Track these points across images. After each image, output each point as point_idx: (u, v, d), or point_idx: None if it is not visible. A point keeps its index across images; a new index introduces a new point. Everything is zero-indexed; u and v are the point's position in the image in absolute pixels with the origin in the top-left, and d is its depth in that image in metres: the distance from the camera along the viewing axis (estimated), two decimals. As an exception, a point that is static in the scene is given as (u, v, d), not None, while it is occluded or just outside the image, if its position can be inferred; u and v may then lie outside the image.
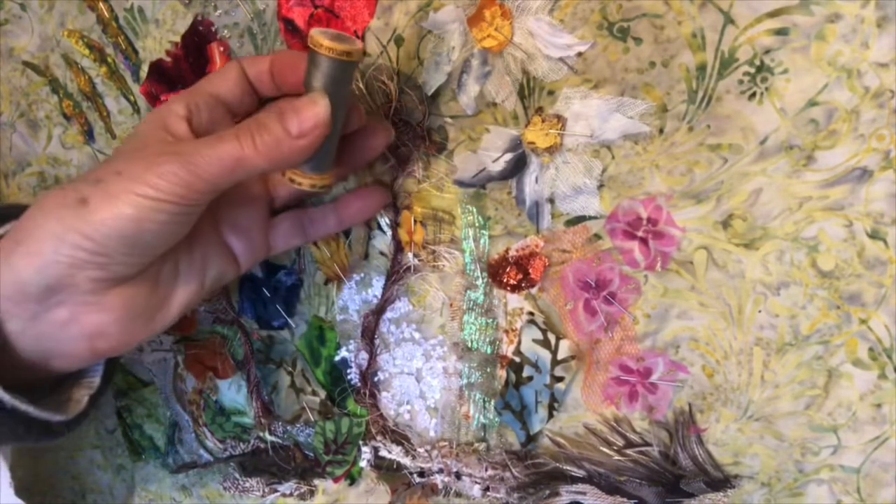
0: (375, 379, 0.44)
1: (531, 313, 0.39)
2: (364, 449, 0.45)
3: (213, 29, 0.42)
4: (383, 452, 0.44)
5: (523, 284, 0.39)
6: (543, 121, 0.35)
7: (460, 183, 0.39)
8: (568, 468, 0.39)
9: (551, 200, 0.37)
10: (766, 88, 0.31)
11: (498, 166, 0.37)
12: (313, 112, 0.31)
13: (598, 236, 0.36)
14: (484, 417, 0.42)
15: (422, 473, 0.44)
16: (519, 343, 0.40)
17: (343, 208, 0.39)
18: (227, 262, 0.37)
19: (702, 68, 0.32)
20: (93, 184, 0.30)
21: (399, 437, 0.44)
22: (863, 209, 0.31)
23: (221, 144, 0.30)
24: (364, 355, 0.44)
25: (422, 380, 0.43)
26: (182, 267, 0.35)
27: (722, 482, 0.37)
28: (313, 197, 0.41)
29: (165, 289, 0.34)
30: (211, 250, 0.36)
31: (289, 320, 0.46)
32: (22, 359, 0.32)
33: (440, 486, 0.43)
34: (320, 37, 0.30)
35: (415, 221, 0.40)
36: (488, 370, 0.41)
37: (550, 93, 0.35)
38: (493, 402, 0.41)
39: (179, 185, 0.29)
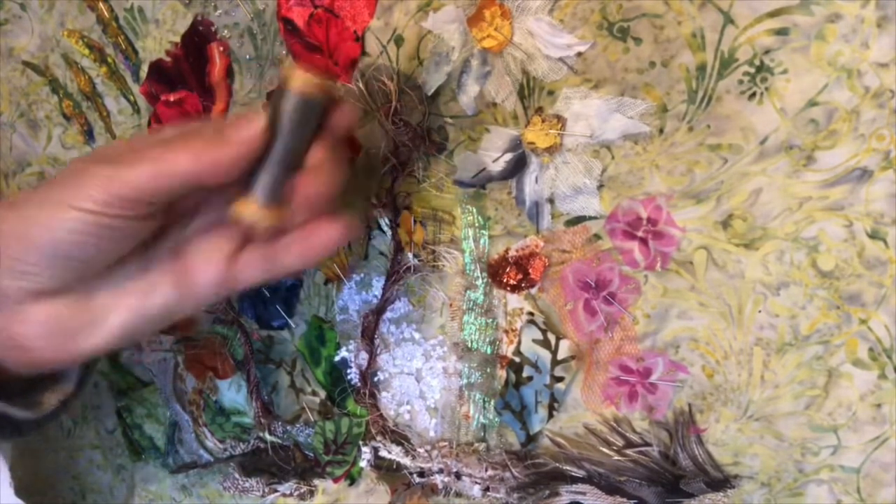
0: (375, 379, 0.44)
1: (531, 313, 0.39)
2: (364, 449, 0.45)
3: (213, 29, 0.42)
4: (383, 452, 0.44)
5: (523, 284, 0.39)
6: (543, 121, 0.35)
7: (460, 183, 0.39)
8: (568, 468, 0.39)
9: (551, 200, 0.37)
10: (766, 88, 0.31)
11: (498, 166, 0.37)
12: (248, 122, 0.29)
13: (598, 236, 0.36)
14: (484, 417, 0.42)
15: (422, 473, 0.44)
16: (519, 343, 0.40)
17: (304, 238, 0.33)
18: (180, 292, 0.32)
19: (702, 68, 0.32)
20: (30, 190, 0.30)
21: (399, 437, 0.44)
22: (863, 209, 0.31)
23: (148, 150, 0.28)
24: (364, 355, 0.44)
25: (422, 380, 0.43)
26: (124, 287, 0.31)
27: (722, 482, 0.37)
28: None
29: (99, 309, 0.31)
30: (162, 277, 0.32)
31: (289, 320, 0.46)
32: None
33: (440, 486, 0.43)
34: (291, 69, 0.29)
35: (415, 221, 0.40)
36: (488, 370, 0.41)
37: (550, 93, 0.35)
38: (493, 402, 0.41)
39: (101, 191, 0.27)
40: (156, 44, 0.44)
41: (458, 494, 0.43)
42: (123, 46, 0.45)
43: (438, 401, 0.43)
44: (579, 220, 0.36)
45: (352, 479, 0.47)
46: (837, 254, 0.32)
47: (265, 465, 0.49)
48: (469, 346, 0.41)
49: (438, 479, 0.43)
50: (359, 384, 0.45)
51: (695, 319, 0.35)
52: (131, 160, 0.28)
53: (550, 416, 0.40)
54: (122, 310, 0.32)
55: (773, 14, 0.30)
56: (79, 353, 0.31)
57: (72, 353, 0.31)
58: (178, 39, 0.43)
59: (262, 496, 0.49)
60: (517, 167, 0.37)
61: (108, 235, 0.29)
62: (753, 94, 0.31)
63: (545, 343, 0.39)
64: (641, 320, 0.36)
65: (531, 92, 0.36)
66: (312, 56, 0.40)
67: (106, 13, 0.45)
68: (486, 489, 0.42)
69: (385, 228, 0.41)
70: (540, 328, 0.39)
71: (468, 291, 0.40)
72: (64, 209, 0.27)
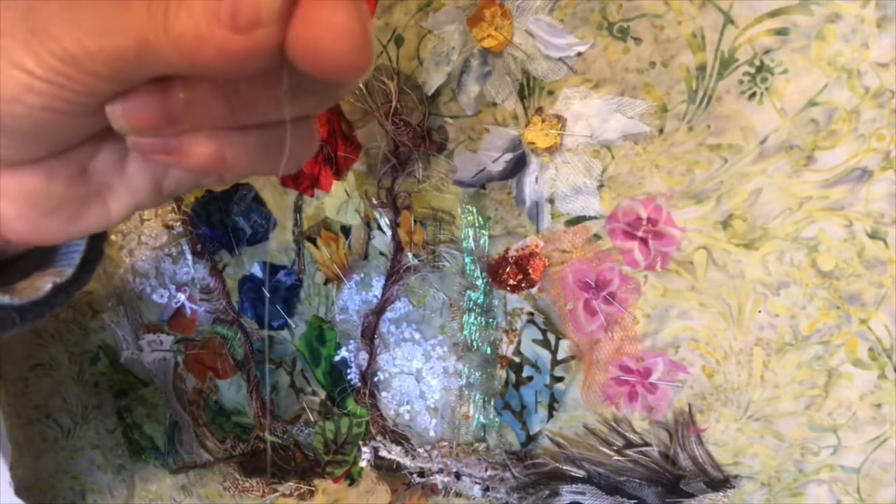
0: (375, 379, 0.44)
1: (531, 313, 0.39)
2: (364, 449, 0.45)
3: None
4: (383, 452, 0.44)
5: (523, 284, 0.38)
6: (543, 121, 0.35)
7: (460, 183, 0.39)
8: (568, 468, 0.39)
9: (551, 200, 0.37)
10: (766, 88, 0.31)
11: (498, 166, 0.37)
12: None
13: (598, 236, 0.36)
14: (484, 417, 0.42)
15: (422, 473, 0.44)
16: (519, 343, 0.40)
17: None
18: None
19: (702, 68, 0.32)
20: None
21: (399, 437, 0.44)
22: (863, 209, 0.31)
23: (124, 7, 0.19)
24: (364, 355, 0.44)
25: (422, 380, 0.43)
26: (132, 158, 0.25)
27: (722, 482, 0.37)
28: None
29: (100, 180, 0.25)
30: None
31: (289, 320, 0.46)
32: None
33: (440, 486, 0.43)
34: None
35: (415, 221, 0.40)
36: (488, 370, 0.41)
37: (550, 93, 0.35)
38: (493, 402, 0.41)
39: (54, 54, 0.19)
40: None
41: (458, 494, 0.43)
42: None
43: (438, 401, 0.43)
44: (579, 220, 0.36)
45: (352, 479, 0.47)
46: (837, 254, 0.32)
47: (265, 465, 0.49)
48: (469, 345, 0.41)
49: (438, 479, 0.43)
50: (359, 384, 0.45)
51: (695, 319, 0.35)
52: (101, 29, 0.19)
53: (550, 416, 0.40)
54: (130, 184, 0.25)
55: (773, 14, 0.30)
56: (84, 232, 0.26)
57: (76, 233, 0.26)
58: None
59: (262, 496, 0.49)
60: (517, 167, 0.37)
61: (79, 112, 0.21)
62: (753, 94, 0.31)
63: (545, 343, 0.39)
64: (641, 320, 0.36)
65: (531, 92, 0.36)
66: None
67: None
68: (486, 489, 0.42)
69: (385, 228, 0.41)
70: (540, 328, 0.39)
71: (468, 291, 0.40)
72: (24, 79, 0.20)
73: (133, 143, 0.23)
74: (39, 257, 0.29)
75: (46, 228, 0.25)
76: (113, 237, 0.50)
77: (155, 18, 0.19)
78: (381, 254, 0.42)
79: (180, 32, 0.19)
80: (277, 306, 0.46)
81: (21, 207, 0.24)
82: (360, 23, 0.19)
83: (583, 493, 0.39)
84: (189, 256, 0.47)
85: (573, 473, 0.39)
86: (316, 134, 0.26)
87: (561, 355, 0.39)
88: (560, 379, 0.39)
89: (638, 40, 0.33)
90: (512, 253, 0.39)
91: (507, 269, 0.39)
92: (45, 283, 0.28)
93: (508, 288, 0.39)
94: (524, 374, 0.40)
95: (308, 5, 0.19)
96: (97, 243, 0.30)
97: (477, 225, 0.39)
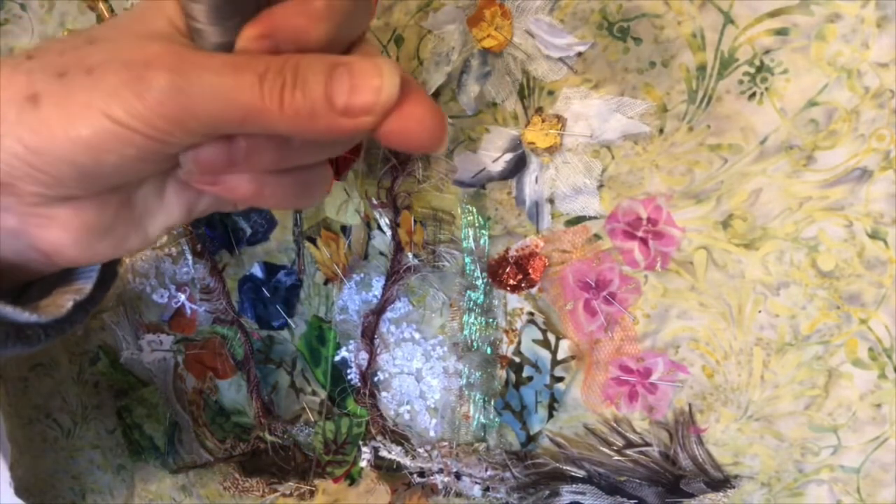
0: (375, 379, 0.44)
1: (531, 313, 0.39)
2: (364, 449, 0.45)
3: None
4: (383, 452, 0.44)
5: (523, 284, 0.39)
6: (543, 121, 0.35)
7: (460, 183, 0.39)
8: (568, 468, 0.39)
9: (551, 200, 0.37)
10: (766, 88, 0.31)
11: (498, 166, 0.37)
12: (373, 85, 0.22)
13: (598, 236, 0.36)
14: (484, 417, 0.42)
15: (422, 473, 0.44)
16: (519, 343, 0.40)
17: None
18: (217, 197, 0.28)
19: (702, 68, 0.32)
20: (53, 77, 0.22)
21: (399, 437, 0.44)
22: (863, 209, 0.31)
23: (236, 82, 0.21)
24: (364, 355, 0.44)
25: (422, 380, 0.43)
26: (171, 187, 0.27)
27: (722, 482, 0.37)
28: None
29: (142, 208, 0.27)
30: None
31: (289, 320, 0.46)
32: None
33: (440, 486, 0.43)
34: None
35: (415, 221, 0.40)
36: (488, 370, 0.41)
37: (550, 93, 0.35)
38: (493, 402, 0.41)
39: (162, 117, 0.21)
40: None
41: (458, 494, 0.43)
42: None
43: (438, 401, 0.43)
44: (579, 220, 0.36)
45: (352, 479, 0.47)
46: (837, 254, 0.32)
47: (265, 465, 0.49)
48: (469, 345, 0.41)
49: (438, 479, 0.43)
50: (359, 384, 0.45)
51: (695, 319, 0.35)
52: (211, 93, 0.21)
53: (550, 416, 0.40)
54: (168, 210, 0.27)
55: (773, 14, 0.30)
56: (123, 254, 0.28)
57: (116, 255, 0.28)
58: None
59: (262, 496, 0.49)
60: (517, 167, 0.37)
61: (156, 160, 0.23)
62: (753, 94, 0.31)
63: (545, 343, 0.39)
64: (641, 320, 0.36)
65: (531, 92, 0.36)
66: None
67: (106, 13, 0.45)
68: (486, 489, 0.42)
69: (385, 228, 0.41)
70: (540, 328, 0.39)
71: (468, 291, 0.40)
72: (116, 128, 0.21)
73: (189, 177, 0.25)
74: (58, 276, 0.30)
75: (96, 252, 0.27)
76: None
77: (271, 94, 0.21)
78: (381, 254, 0.42)
79: (296, 110, 0.22)
80: (277, 306, 0.46)
81: (76, 235, 0.26)
82: (441, 118, 0.24)
83: (583, 493, 0.39)
84: (189, 256, 0.47)
85: (573, 473, 0.39)
86: (331, 172, 0.29)
87: (561, 355, 0.39)
88: (560, 379, 0.39)
89: (638, 40, 0.33)
90: (512, 253, 0.39)
91: (507, 269, 0.39)
92: (66, 301, 0.29)
93: (508, 288, 0.39)
94: (524, 374, 0.40)
95: (407, 101, 0.23)
96: (112, 263, 0.31)
97: (477, 225, 0.39)
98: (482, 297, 0.40)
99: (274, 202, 0.27)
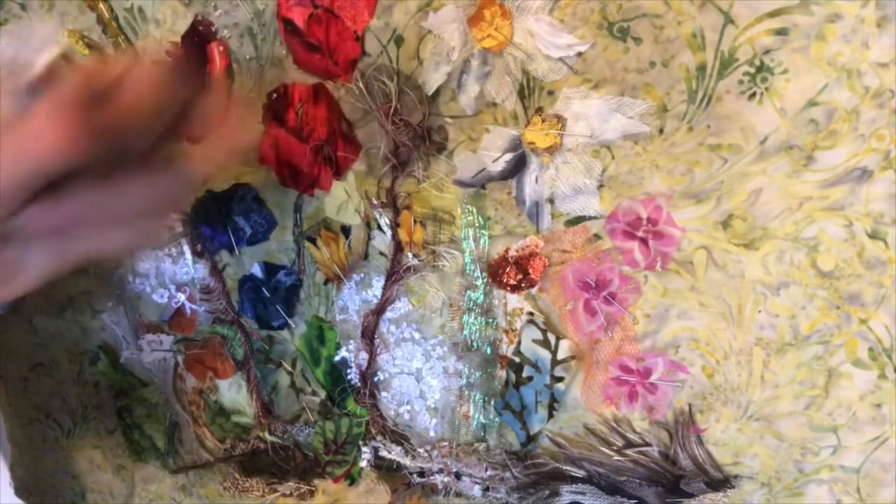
0: (375, 379, 0.44)
1: (531, 313, 0.39)
2: (364, 449, 0.45)
3: (213, 29, 0.42)
4: (383, 452, 0.44)
5: (523, 284, 0.39)
6: (543, 121, 0.35)
7: (460, 183, 0.39)
8: (568, 468, 0.39)
9: (551, 200, 0.37)
10: (766, 88, 0.31)
11: (498, 166, 0.37)
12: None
13: (598, 236, 0.36)
14: (484, 417, 0.42)
15: (422, 473, 0.44)
16: (519, 343, 0.40)
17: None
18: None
19: (702, 68, 0.32)
20: None
21: (399, 437, 0.44)
22: (863, 209, 0.31)
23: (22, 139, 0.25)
24: (364, 355, 0.44)
25: (422, 380, 0.43)
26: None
27: (722, 482, 0.37)
28: None
29: (17, 251, 0.28)
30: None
31: (289, 320, 0.46)
32: None
33: (440, 486, 0.43)
34: (71, 34, 0.26)
35: (415, 221, 0.40)
36: (488, 370, 0.41)
37: (550, 93, 0.35)
38: (493, 402, 0.41)
39: None
40: (156, 44, 0.44)
41: (458, 494, 0.43)
42: (123, 46, 0.45)
43: (438, 401, 0.43)
44: (579, 220, 0.36)
45: (352, 479, 0.47)
46: (837, 254, 0.32)
47: (265, 465, 0.49)
48: (469, 345, 0.41)
49: (438, 479, 0.43)
50: (359, 384, 0.45)
51: (695, 319, 0.35)
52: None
53: (550, 416, 0.40)
54: (38, 259, 0.29)
55: (773, 14, 0.30)
56: (7, 298, 0.30)
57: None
58: (178, 39, 0.43)
59: (262, 496, 0.49)
60: (517, 167, 0.37)
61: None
62: (753, 94, 0.31)
63: (545, 343, 0.39)
64: (641, 320, 0.36)
65: (531, 92, 0.36)
66: (312, 56, 0.40)
67: (106, 13, 0.45)
68: (486, 489, 0.42)
69: (385, 228, 0.41)
70: (540, 328, 0.39)
71: (468, 291, 0.40)
72: None
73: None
74: None
75: None
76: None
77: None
78: (381, 254, 0.42)
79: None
80: (277, 306, 0.46)
81: None
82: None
83: (583, 493, 0.39)
84: (189, 256, 0.47)
85: (573, 473, 0.39)
86: (184, 186, 0.31)
87: (561, 355, 0.39)
88: (560, 379, 0.39)
89: (638, 40, 0.33)
90: (512, 253, 0.39)
91: (507, 269, 0.39)
92: None
93: (508, 288, 0.39)
94: (524, 374, 0.40)
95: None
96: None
97: (477, 225, 0.39)
98: (482, 297, 0.40)
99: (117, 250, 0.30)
